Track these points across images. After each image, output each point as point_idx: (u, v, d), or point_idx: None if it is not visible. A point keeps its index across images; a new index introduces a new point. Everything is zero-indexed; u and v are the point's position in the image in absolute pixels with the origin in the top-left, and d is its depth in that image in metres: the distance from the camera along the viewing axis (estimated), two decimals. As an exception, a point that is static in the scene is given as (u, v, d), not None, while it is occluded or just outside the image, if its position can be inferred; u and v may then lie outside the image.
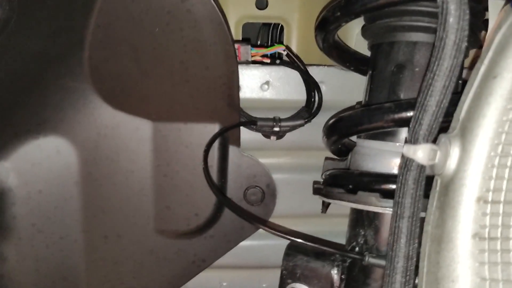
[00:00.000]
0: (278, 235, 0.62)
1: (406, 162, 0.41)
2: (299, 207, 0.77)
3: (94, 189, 0.70)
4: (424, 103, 0.40)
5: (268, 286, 0.80)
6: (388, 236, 0.41)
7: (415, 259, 0.40)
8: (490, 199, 0.37)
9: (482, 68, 0.38)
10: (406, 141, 0.41)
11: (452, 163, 0.39)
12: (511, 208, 0.36)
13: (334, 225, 0.76)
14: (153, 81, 0.67)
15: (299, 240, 0.58)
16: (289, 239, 0.59)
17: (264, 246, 0.79)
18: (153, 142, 0.69)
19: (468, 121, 0.38)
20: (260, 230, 0.76)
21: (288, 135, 0.74)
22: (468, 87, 0.39)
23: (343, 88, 0.75)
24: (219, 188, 0.70)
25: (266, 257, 0.79)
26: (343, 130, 0.57)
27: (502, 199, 0.37)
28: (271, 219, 0.78)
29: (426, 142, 0.40)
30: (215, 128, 0.70)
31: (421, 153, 0.40)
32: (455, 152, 0.38)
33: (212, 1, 0.63)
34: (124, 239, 0.72)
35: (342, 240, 0.64)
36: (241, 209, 0.71)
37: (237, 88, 0.69)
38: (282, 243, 0.78)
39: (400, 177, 0.41)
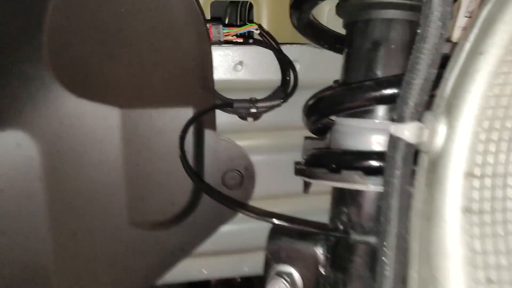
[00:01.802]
0: (260, 219, 0.61)
1: (394, 141, 0.41)
2: (278, 188, 0.77)
3: (59, 184, 0.66)
4: (410, 81, 0.39)
5: (250, 270, 0.80)
6: (380, 216, 0.41)
7: (407, 237, 0.40)
8: (478, 173, 0.37)
9: (467, 45, 0.38)
10: (393, 120, 0.41)
11: (439, 140, 0.39)
12: (498, 181, 0.37)
13: (314, 203, 0.76)
14: (121, 66, 0.64)
15: (281, 223, 0.57)
16: (271, 222, 0.59)
17: (243, 229, 0.79)
18: (122, 131, 0.65)
19: (453, 98, 0.38)
20: (239, 214, 0.75)
21: (264, 115, 0.73)
22: (452, 65, 0.39)
23: (317, 66, 0.74)
24: (197, 175, 0.68)
25: (246, 241, 0.79)
26: (325, 110, 0.57)
27: (489, 172, 0.37)
28: (251, 202, 0.77)
29: (413, 121, 0.40)
30: (189, 112, 0.67)
31: (408, 132, 0.40)
32: (441, 129, 0.39)
33: (181, -21, 0.60)
34: (95, 234, 0.69)
35: (322, 218, 0.64)
36: (221, 195, 0.70)
37: (211, 69, 0.66)
38: (262, 226, 0.78)
39: (389, 156, 0.41)
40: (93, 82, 0.63)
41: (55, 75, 0.61)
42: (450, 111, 0.38)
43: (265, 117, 0.74)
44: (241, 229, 0.78)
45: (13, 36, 0.59)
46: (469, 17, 0.54)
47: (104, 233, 0.68)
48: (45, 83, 0.61)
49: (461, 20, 0.52)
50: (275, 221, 0.58)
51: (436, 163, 0.39)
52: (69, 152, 0.64)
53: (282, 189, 0.77)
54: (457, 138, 0.38)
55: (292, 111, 0.74)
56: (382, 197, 0.41)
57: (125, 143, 0.66)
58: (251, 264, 0.79)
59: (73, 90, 0.62)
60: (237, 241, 0.79)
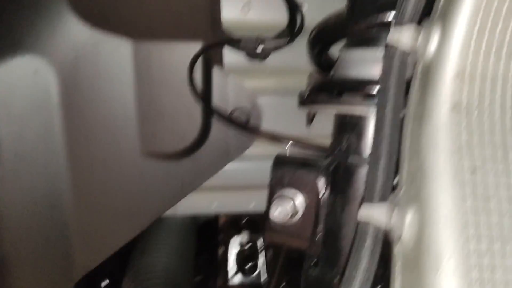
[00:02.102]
0: (272, 141, 0.63)
1: (390, 50, 0.43)
2: (283, 129, 0.79)
3: (76, 112, 0.69)
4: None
5: (255, 205, 0.84)
6: (375, 122, 0.44)
7: (398, 141, 0.43)
8: (467, 74, 0.40)
9: (461, -48, 0.40)
10: (391, 26, 0.44)
11: (432, 45, 0.41)
12: (486, 82, 0.40)
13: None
14: (133, -1, 0.67)
15: (292, 144, 0.60)
16: (281, 141, 0.61)
17: (250, 167, 0.82)
18: (134, 63, 0.68)
19: (448, 4, 0.41)
20: (245, 152, 0.79)
21: (271, 58, 0.76)
22: (448, -27, 0.42)
23: (323, 8, 0.75)
24: (209, 102, 0.71)
25: (252, 178, 0.83)
26: (329, 37, 0.59)
27: (478, 74, 0.40)
28: (256, 143, 0.81)
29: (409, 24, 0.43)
30: (197, 47, 0.70)
31: (405, 35, 0.42)
32: (436, 34, 0.41)
33: None
34: (110, 163, 0.73)
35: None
36: (239, 122, 0.72)
37: (219, 6, 0.69)
38: (266, 165, 0.82)
39: (386, 59, 0.44)
40: (107, 13, 0.66)
41: (70, 5, 0.64)
42: (445, 16, 0.41)
43: (272, 59, 0.77)
44: (248, 167, 0.82)
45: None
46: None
47: (118, 163, 0.72)
48: (60, 11, 0.64)
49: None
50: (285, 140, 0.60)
51: (429, 66, 0.42)
52: (84, 82, 0.68)
53: (287, 131, 0.80)
54: (449, 41, 0.40)
55: (298, 54, 0.77)
56: (377, 98, 0.44)
57: (137, 76, 0.69)
58: (256, 200, 0.83)
59: (87, 20, 0.65)
60: (244, 178, 0.82)
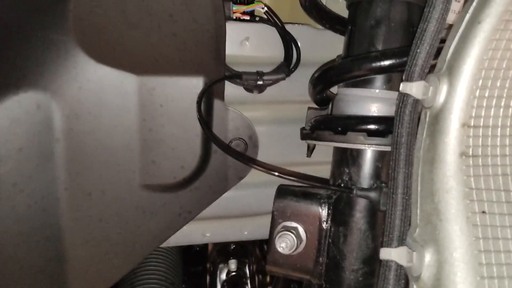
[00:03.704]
0: (270, 173, 0.66)
1: (402, 98, 0.47)
2: (279, 156, 0.82)
3: (76, 145, 0.69)
4: (418, 46, 0.46)
5: (249, 233, 0.85)
6: (390, 161, 0.48)
7: (411, 179, 0.47)
8: (472, 124, 0.45)
9: (466, 16, 0.45)
10: (402, 80, 0.48)
11: (441, 97, 0.46)
12: (489, 131, 0.45)
13: (312, 172, 0.83)
14: (140, 34, 0.67)
15: (291, 178, 0.63)
16: (282, 176, 0.64)
17: (245, 195, 0.84)
18: (138, 96, 0.69)
19: (454, 60, 0.45)
20: (242, 180, 0.80)
21: (268, 89, 0.79)
22: (453, 33, 0.46)
23: (317, 45, 0.80)
24: (215, 135, 0.72)
25: (247, 206, 0.84)
26: (333, 78, 0.63)
27: (482, 123, 0.45)
28: (253, 170, 0.82)
29: (420, 80, 0.47)
30: (200, 81, 0.71)
31: (415, 89, 0.46)
32: (443, 87, 0.46)
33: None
34: (108, 195, 0.72)
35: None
36: (235, 151, 0.74)
37: (224, 43, 0.71)
38: (261, 192, 0.84)
39: (398, 111, 0.47)
40: (113, 48, 0.66)
41: (78, 41, 0.64)
42: (451, 71, 0.45)
43: (269, 91, 0.80)
44: (243, 195, 0.84)
45: (42, 1, 0.62)
46: (458, 1, 0.62)
47: (117, 194, 0.72)
48: (67, 48, 0.64)
49: (453, 4, 0.60)
50: (285, 176, 0.63)
51: (438, 117, 0.46)
52: (86, 115, 0.67)
53: (283, 158, 0.83)
54: (456, 94, 0.45)
55: (293, 86, 0.80)
56: (392, 145, 0.48)
57: (139, 109, 0.70)
58: (250, 228, 0.85)
59: (93, 55, 0.65)
60: (238, 206, 0.84)
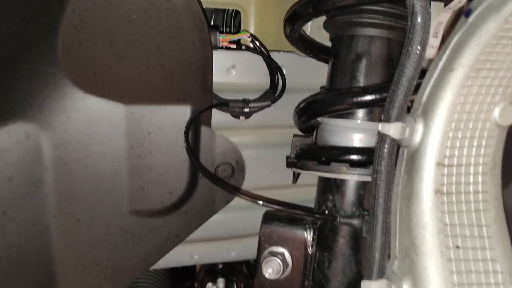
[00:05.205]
0: (255, 202, 0.68)
1: (381, 137, 0.50)
2: (265, 180, 0.85)
3: (65, 174, 0.70)
4: (395, 90, 0.49)
5: (236, 254, 0.87)
6: (370, 196, 0.51)
7: (390, 214, 0.50)
8: (446, 163, 0.48)
9: (440, 63, 0.48)
10: (381, 120, 0.51)
11: (417, 137, 0.49)
12: (462, 169, 0.48)
13: (297, 194, 0.85)
14: (128, 65, 0.69)
15: (276, 206, 0.65)
16: (266, 205, 0.66)
17: (232, 218, 0.86)
18: (126, 124, 0.71)
19: (429, 104, 0.49)
20: (229, 204, 0.82)
21: (254, 115, 0.81)
22: (428, 78, 0.50)
23: (301, 72, 0.83)
24: (202, 165, 0.74)
25: (234, 228, 0.86)
26: (317, 111, 0.65)
27: (455, 163, 0.48)
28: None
29: (397, 121, 0.50)
30: (187, 110, 0.73)
31: (393, 130, 0.49)
32: (419, 128, 0.49)
33: (191, -10, 0.67)
34: (97, 221, 0.74)
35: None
36: (221, 181, 0.77)
37: (211, 72, 0.73)
38: (248, 214, 0.87)
39: (377, 149, 0.50)
40: (101, 79, 0.68)
41: (66, 73, 0.66)
42: (426, 114, 0.49)
43: (255, 116, 0.82)
44: (230, 218, 0.86)
45: (30, 36, 0.63)
46: (435, 37, 0.66)
47: (106, 220, 0.73)
48: (55, 79, 0.65)
49: (431, 40, 0.63)
50: (270, 205, 0.66)
51: (415, 155, 0.49)
52: (75, 144, 0.69)
53: (269, 182, 0.85)
54: (431, 136, 0.48)
55: (279, 111, 0.83)
56: (371, 182, 0.50)
57: (127, 136, 0.71)
58: (237, 249, 0.87)
59: (81, 86, 0.67)
60: (226, 228, 0.86)
